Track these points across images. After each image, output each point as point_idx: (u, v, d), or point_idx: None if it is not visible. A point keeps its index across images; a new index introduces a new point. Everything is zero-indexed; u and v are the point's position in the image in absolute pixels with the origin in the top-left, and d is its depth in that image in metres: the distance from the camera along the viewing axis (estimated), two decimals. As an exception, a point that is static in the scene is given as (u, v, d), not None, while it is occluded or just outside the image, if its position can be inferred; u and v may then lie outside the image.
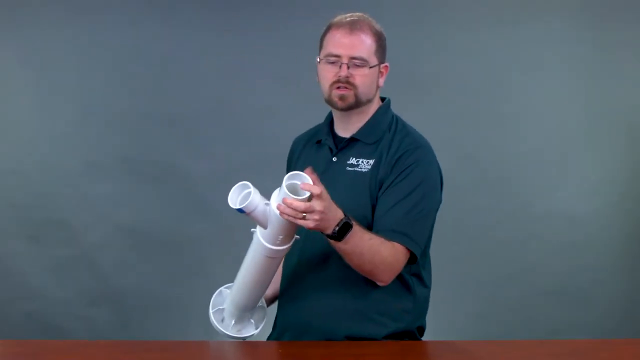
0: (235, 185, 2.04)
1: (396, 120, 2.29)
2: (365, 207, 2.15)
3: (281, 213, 1.95)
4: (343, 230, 2.00)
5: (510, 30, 4.22)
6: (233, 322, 2.26)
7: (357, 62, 2.18)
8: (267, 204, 2.01)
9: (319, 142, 2.33)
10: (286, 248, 2.09)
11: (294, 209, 1.93)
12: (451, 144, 3.90)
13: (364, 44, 2.19)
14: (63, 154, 4.24)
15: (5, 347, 2.19)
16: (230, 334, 2.26)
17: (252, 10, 4.25)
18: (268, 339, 2.32)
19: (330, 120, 2.33)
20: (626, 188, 4.22)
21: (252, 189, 2.01)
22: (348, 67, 2.18)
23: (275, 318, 2.34)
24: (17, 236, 4.22)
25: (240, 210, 2.01)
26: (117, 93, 4.24)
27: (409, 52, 4.01)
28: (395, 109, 2.34)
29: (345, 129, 2.28)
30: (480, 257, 4.20)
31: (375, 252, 2.07)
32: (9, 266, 4.21)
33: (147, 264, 4.22)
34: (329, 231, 2.00)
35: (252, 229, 2.10)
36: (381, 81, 2.26)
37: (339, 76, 2.18)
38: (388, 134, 2.25)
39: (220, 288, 2.32)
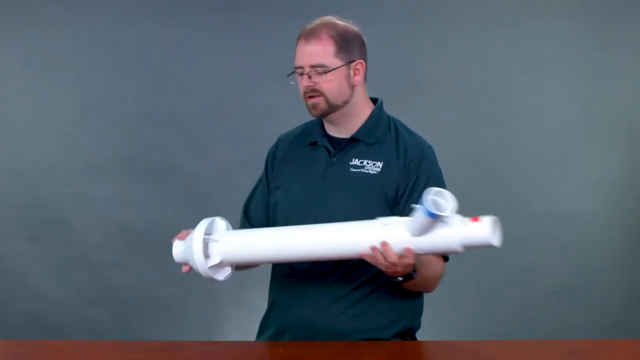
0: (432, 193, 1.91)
1: (393, 121, 2.29)
2: (374, 208, 2.14)
3: (372, 248, 1.94)
4: (403, 280, 2.07)
5: (510, 30, 4.21)
6: (219, 260, 2.09)
7: (317, 69, 2.17)
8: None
9: (314, 143, 2.30)
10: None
11: (386, 258, 1.94)
12: (451, 144, 3.89)
13: (320, 50, 2.17)
14: (63, 154, 4.24)
15: (5, 347, 2.19)
16: (208, 273, 2.07)
17: (252, 10, 4.25)
18: (268, 338, 2.31)
19: (321, 122, 2.31)
20: (626, 188, 4.22)
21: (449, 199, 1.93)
22: (310, 77, 2.18)
23: (268, 316, 2.32)
24: (17, 236, 4.22)
25: (434, 216, 1.90)
26: (117, 93, 4.24)
27: (409, 52, 4.01)
28: (395, 109, 2.33)
29: (338, 131, 2.27)
30: (480, 257, 4.17)
31: (430, 276, 2.15)
32: (9, 266, 4.21)
33: (147, 264, 4.21)
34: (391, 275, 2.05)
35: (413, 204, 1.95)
36: (357, 79, 2.22)
37: (305, 87, 2.19)
38: (389, 135, 2.24)
39: (216, 218, 2.18)
